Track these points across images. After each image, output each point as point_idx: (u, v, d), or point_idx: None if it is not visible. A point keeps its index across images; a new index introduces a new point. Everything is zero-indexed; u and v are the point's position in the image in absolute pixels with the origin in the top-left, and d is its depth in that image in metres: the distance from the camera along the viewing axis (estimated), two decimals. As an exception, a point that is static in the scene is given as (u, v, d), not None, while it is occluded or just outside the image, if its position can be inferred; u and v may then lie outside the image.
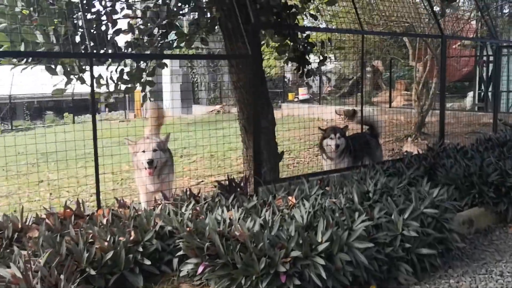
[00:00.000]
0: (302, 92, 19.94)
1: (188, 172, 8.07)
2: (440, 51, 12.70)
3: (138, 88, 5.88)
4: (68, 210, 4.11)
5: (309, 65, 6.07)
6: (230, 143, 9.08)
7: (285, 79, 19.87)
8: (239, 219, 3.84)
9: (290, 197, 4.58)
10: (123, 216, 4.05)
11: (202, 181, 7.50)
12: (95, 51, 4.87)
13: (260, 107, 6.08)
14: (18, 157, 7.08)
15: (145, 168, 4.94)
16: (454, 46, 15.35)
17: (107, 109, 6.55)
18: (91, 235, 3.59)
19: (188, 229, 3.64)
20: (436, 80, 11.78)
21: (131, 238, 3.58)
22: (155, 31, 5.46)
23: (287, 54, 6.26)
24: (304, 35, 6.35)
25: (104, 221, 3.95)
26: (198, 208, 4.13)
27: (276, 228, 3.65)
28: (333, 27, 7.10)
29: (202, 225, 3.67)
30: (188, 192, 4.53)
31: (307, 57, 6.07)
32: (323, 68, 19.41)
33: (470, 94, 16.73)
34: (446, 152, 6.14)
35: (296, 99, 20.24)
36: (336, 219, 3.79)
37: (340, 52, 6.51)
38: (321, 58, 6.38)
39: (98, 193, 4.35)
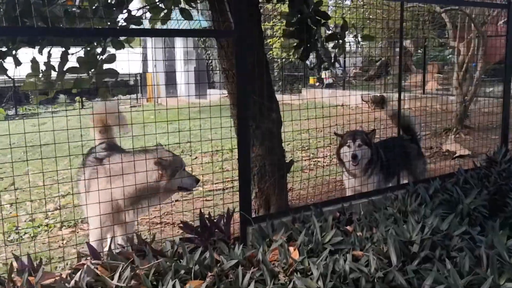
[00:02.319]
0: (324, 76, 18.16)
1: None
2: (485, 29, 10.93)
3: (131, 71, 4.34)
4: None
5: (321, 51, 4.41)
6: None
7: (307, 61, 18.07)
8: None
9: (291, 247, 3.04)
10: None
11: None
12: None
13: (256, 103, 4.54)
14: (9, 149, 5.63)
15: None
16: (499, 23, 13.38)
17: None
18: None
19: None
20: (482, 63, 9.97)
21: None
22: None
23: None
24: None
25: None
26: (139, 273, 2.61)
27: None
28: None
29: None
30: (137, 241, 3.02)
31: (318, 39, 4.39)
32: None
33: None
34: (515, 166, 4.49)
35: (318, 84, 18.46)
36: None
37: (368, 40, 4.65)
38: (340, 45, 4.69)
39: None
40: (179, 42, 18.83)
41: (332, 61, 4.67)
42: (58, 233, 5.17)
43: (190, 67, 20.22)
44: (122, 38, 4.08)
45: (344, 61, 15.53)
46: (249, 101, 4.47)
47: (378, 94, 14.69)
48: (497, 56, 11.30)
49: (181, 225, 3.24)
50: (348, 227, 3.43)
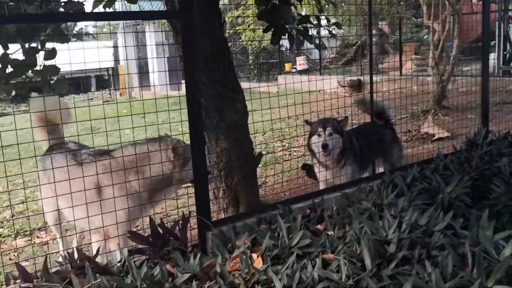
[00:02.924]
0: (300, 62, 17.78)
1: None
2: (460, 7, 10.67)
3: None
4: None
5: (290, 28, 4.03)
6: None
7: (282, 48, 17.65)
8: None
9: (254, 254, 2.70)
10: None
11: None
12: None
13: (218, 93, 4.19)
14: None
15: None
16: (474, 0, 13.14)
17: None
18: None
19: None
20: (458, 42, 9.71)
21: None
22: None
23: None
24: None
25: None
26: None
27: None
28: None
29: None
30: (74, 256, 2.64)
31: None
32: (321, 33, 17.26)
33: (492, 55, 14.55)
34: (497, 148, 4.20)
35: (294, 70, 18.08)
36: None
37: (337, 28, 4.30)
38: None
39: None
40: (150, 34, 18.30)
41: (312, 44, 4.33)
42: (12, 243, 4.77)
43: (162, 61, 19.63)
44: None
45: (319, 45, 15.12)
46: (205, 92, 4.13)
47: (355, 78, 14.40)
48: (474, 34, 11.07)
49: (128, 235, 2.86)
50: (319, 226, 3.10)
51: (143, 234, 3.01)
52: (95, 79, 25.16)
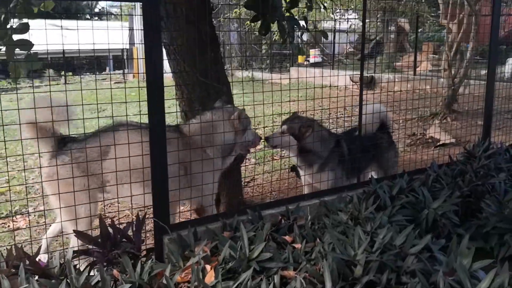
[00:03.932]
0: (313, 54, 17.39)
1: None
2: (479, 7, 10.23)
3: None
4: None
5: (282, 19, 3.75)
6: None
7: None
8: None
9: (208, 266, 2.47)
10: None
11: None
12: None
13: (202, 83, 3.96)
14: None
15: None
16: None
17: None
18: None
19: None
20: (474, 44, 9.31)
21: None
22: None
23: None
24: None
25: None
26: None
27: None
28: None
29: None
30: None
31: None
32: (343, 25, 16.72)
33: (511, 60, 14.05)
34: (495, 162, 3.90)
35: (306, 62, 17.71)
36: None
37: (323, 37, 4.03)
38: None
39: None
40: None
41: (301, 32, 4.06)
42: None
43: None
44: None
45: (333, 38, 14.75)
46: (188, 82, 3.89)
47: (368, 75, 14.03)
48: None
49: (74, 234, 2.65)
50: (287, 237, 2.86)
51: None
52: (112, 60, 25.07)
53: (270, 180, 5.30)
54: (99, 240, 2.59)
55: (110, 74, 16.74)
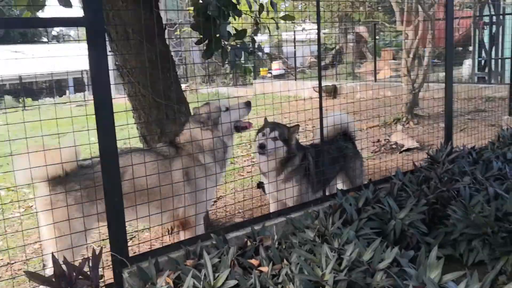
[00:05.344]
0: (276, 67, 17.44)
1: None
2: (433, 12, 10.45)
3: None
4: None
5: (223, 37, 3.67)
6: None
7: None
8: None
9: (171, 299, 2.34)
10: None
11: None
12: None
13: (160, 106, 3.85)
14: None
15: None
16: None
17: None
18: None
19: None
20: (430, 49, 9.48)
21: None
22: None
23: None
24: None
25: None
26: None
27: None
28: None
29: None
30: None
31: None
32: (302, 36, 16.83)
33: (467, 62, 14.40)
34: (459, 165, 3.90)
35: (269, 75, 17.73)
36: None
37: (288, 20, 3.97)
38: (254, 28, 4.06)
39: None
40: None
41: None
42: None
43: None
44: None
45: (295, 51, 14.83)
46: (145, 105, 3.77)
47: (331, 84, 14.15)
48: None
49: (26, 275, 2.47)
50: (253, 260, 2.75)
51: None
52: (73, 81, 24.64)
53: (236, 198, 5.20)
54: (53, 279, 2.42)
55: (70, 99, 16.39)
